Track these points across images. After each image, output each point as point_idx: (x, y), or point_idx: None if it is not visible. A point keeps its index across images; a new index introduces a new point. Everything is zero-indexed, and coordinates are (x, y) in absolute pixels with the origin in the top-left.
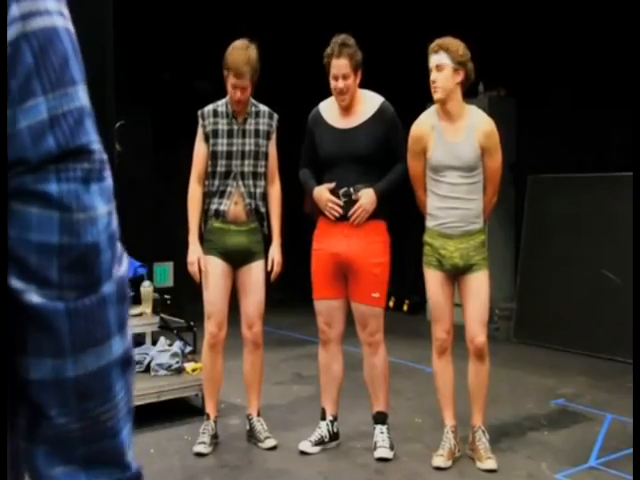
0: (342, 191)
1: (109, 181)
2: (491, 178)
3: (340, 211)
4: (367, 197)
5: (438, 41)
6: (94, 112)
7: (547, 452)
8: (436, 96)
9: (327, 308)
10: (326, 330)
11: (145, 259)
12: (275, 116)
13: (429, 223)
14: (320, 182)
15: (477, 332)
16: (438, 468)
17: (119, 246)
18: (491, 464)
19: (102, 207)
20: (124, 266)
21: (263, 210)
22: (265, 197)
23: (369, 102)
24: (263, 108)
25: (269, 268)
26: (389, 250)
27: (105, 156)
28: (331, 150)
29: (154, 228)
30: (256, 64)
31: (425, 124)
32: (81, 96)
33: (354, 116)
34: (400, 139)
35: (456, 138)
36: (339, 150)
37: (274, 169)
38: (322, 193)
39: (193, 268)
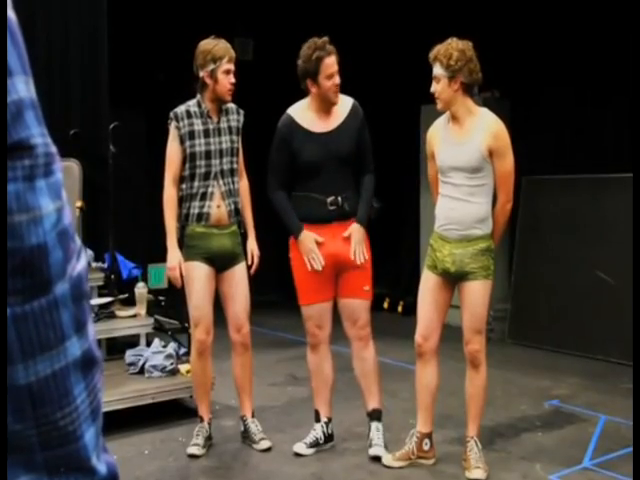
0: (330, 200)
1: (57, 176)
2: (502, 183)
3: (320, 267)
4: (358, 234)
5: (433, 51)
6: (89, 113)
7: (541, 453)
8: (437, 107)
9: (319, 311)
10: (317, 333)
11: (139, 260)
12: (241, 112)
13: (435, 225)
14: (298, 188)
15: (470, 340)
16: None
17: (75, 242)
18: (478, 474)
19: (48, 205)
20: (82, 263)
21: (240, 207)
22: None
23: (342, 103)
24: (230, 105)
25: (249, 262)
26: (370, 246)
27: (53, 149)
28: (315, 156)
29: (148, 229)
30: None
31: (434, 127)
32: (19, 88)
33: (331, 118)
34: (369, 142)
35: (462, 139)
36: (323, 155)
37: (242, 164)
38: (308, 242)
39: (175, 273)
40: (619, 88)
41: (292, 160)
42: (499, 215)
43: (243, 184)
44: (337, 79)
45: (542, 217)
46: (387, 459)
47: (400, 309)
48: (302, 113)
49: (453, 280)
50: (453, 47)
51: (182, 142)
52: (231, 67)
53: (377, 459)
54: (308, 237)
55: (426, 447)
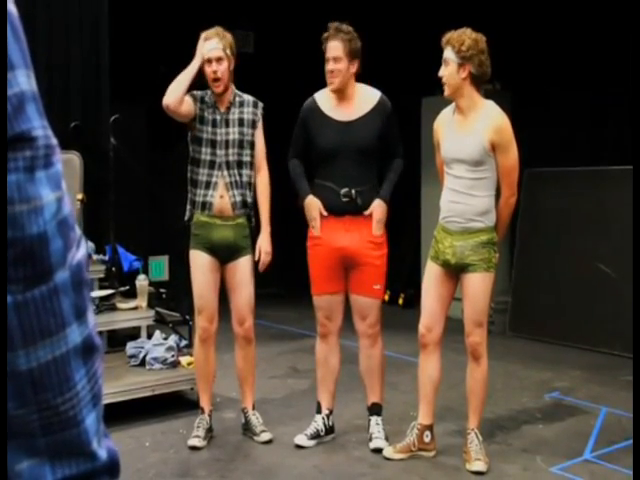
0: (343, 191)
1: (57, 167)
2: (505, 177)
3: (318, 233)
4: (379, 211)
5: (446, 35)
6: (90, 105)
7: (542, 445)
8: (444, 92)
9: (328, 303)
10: (326, 323)
11: (140, 253)
12: (260, 104)
13: (439, 216)
14: (316, 176)
15: (470, 332)
16: (387, 458)
17: (74, 231)
18: (478, 466)
19: (49, 195)
20: (81, 251)
21: (250, 200)
22: (251, 187)
23: (367, 95)
24: (247, 97)
25: (256, 258)
26: (387, 242)
27: (53, 141)
28: (331, 143)
29: (149, 222)
30: (232, 43)
31: (441, 117)
32: (20, 81)
33: (353, 108)
34: (397, 133)
35: (465, 131)
36: (340, 143)
37: (261, 158)
38: (312, 207)
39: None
40: (620, 80)
41: (309, 143)
42: (503, 209)
43: (262, 179)
44: (331, 65)
45: (543, 209)
46: (388, 451)
47: (401, 301)
48: (325, 98)
49: (455, 272)
50: (467, 35)
51: (194, 120)
52: (212, 55)
53: (378, 451)
54: (313, 203)
55: (427, 439)
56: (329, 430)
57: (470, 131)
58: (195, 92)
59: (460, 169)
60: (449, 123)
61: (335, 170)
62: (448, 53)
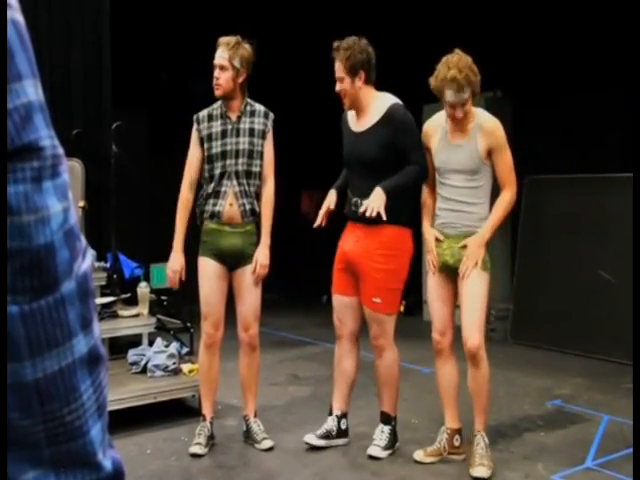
0: (353, 200)
1: (64, 177)
2: (507, 175)
3: (320, 223)
4: (374, 194)
5: (448, 79)
6: (91, 113)
7: (544, 453)
8: (459, 115)
9: (339, 303)
10: (339, 325)
11: (141, 260)
12: (271, 115)
13: (435, 222)
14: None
15: (469, 335)
16: (432, 467)
17: (80, 241)
18: (480, 472)
19: (56, 205)
20: (87, 261)
21: (259, 210)
22: (259, 196)
23: (380, 106)
24: (259, 107)
25: (251, 270)
26: (404, 258)
27: (60, 151)
28: (346, 154)
29: (150, 229)
30: (243, 55)
31: (433, 123)
32: (29, 91)
33: (365, 119)
34: (411, 141)
35: (459, 140)
36: (352, 154)
37: (269, 169)
38: (328, 197)
39: (175, 276)
40: (621, 88)
41: None
42: (499, 208)
43: (267, 190)
44: (337, 86)
45: (544, 216)
46: (418, 455)
47: (402, 309)
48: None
49: (453, 274)
50: (464, 74)
51: (201, 144)
52: (216, 62)
53: (372, 457)
54: (329, 196)
55: (457, 443)
56: (341, 433)
57: (465, 140)
58: (200, 114)
59: (457, 179)
60: (442, 133)
61: (351, 179)
62: (466, 93)
